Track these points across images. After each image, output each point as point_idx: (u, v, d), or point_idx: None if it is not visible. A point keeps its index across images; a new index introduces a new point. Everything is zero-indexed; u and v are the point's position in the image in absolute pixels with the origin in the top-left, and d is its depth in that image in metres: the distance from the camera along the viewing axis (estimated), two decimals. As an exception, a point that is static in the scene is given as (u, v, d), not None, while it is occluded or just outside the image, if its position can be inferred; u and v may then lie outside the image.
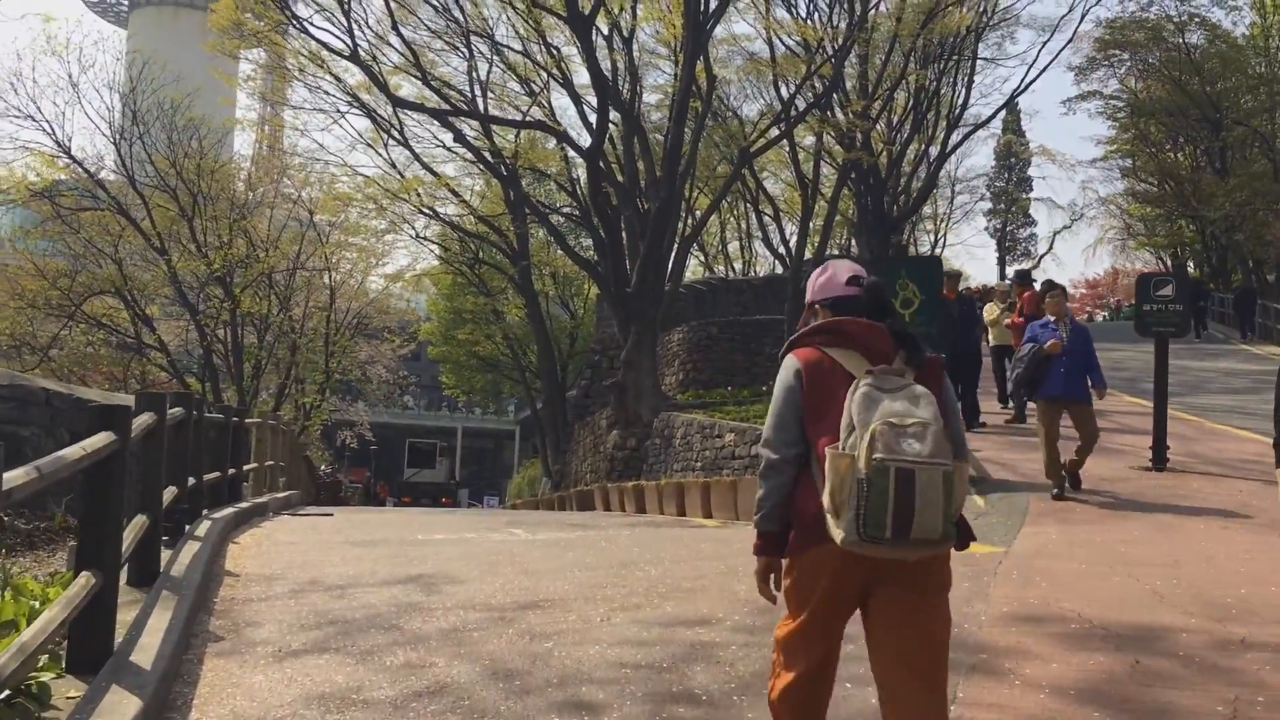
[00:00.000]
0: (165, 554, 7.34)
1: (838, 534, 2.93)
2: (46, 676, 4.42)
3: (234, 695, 4.82)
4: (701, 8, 23.69)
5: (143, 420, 6.08)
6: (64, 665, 4.70)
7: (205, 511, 10.38)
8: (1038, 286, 15.31)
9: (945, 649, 3.15)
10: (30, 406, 9.27)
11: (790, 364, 3.32)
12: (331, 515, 13.63)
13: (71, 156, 26.68)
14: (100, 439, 4.61)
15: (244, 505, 12.01)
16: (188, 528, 8.61)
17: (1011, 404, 14.79)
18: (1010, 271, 52.79)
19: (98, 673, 4.58)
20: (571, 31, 23.82)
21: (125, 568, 6.50)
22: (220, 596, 6.89)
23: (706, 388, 26.15)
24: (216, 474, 11.26)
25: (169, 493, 7.90)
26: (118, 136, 27.47)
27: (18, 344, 26.60)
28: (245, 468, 13.67)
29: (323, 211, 34.51)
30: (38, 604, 5.25)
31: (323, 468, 42.41)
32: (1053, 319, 9.64)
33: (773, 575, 3.31)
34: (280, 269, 33.05)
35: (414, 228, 34.14)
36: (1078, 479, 9.60)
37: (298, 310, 35.61)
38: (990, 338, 15.52)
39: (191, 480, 9.47)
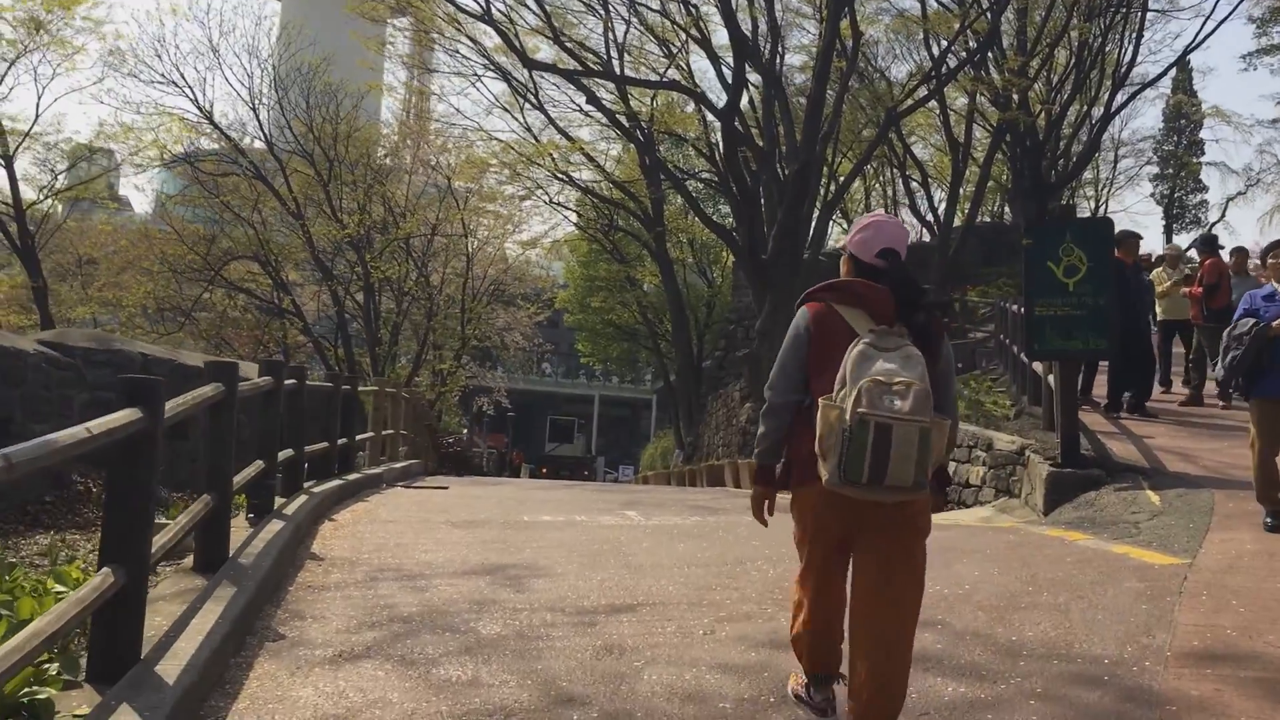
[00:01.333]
0: (247, 533, 6.86)
1: (823, 474, 3.31)
2: (50, 691, 3.84)
3: (274, 714, 4.18)
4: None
5: (200, 394, 5.51)
6: (84, 673, 4.14)
7: (307, 485, 9.96)
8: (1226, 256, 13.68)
9: (916, 585, 3.50)
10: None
11: (803, 316, 3.64)
12: (446, 489, 13.15)
13: (213, 122, 27.00)
14: (119, 417, 3.99)
15: (354, 477, 11.58)
16: (279, 504, 8.14)
17: (1189, 386, 13.29)
18: (1181, 240, 49.53)
19: (116, 683, 4.00)
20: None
21: (192, 553, 6.01)
22: (296, 583, 6.33)
23: (844, 360, 24.90)
24: (323, 445, 10.84)
25: (253, 468, 7.42)
26: (257, 102, 27.70)
27: (161, 308, 27.11)
28: (359, 437, 13.30)
29: (460, 177, 34.39)
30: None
31: (461, 432, 42.73)
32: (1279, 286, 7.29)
33: (767, 503, 3.84)
34: (418, 234, 33.09)
35: (548, 193, 33.64)
36: None
37: (435, 276, 35.67)
38: (1158, 310, 13.92)
39: (290, 453, 9.02)
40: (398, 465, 14.82)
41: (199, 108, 26.42)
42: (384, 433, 15.09)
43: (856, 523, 3.47)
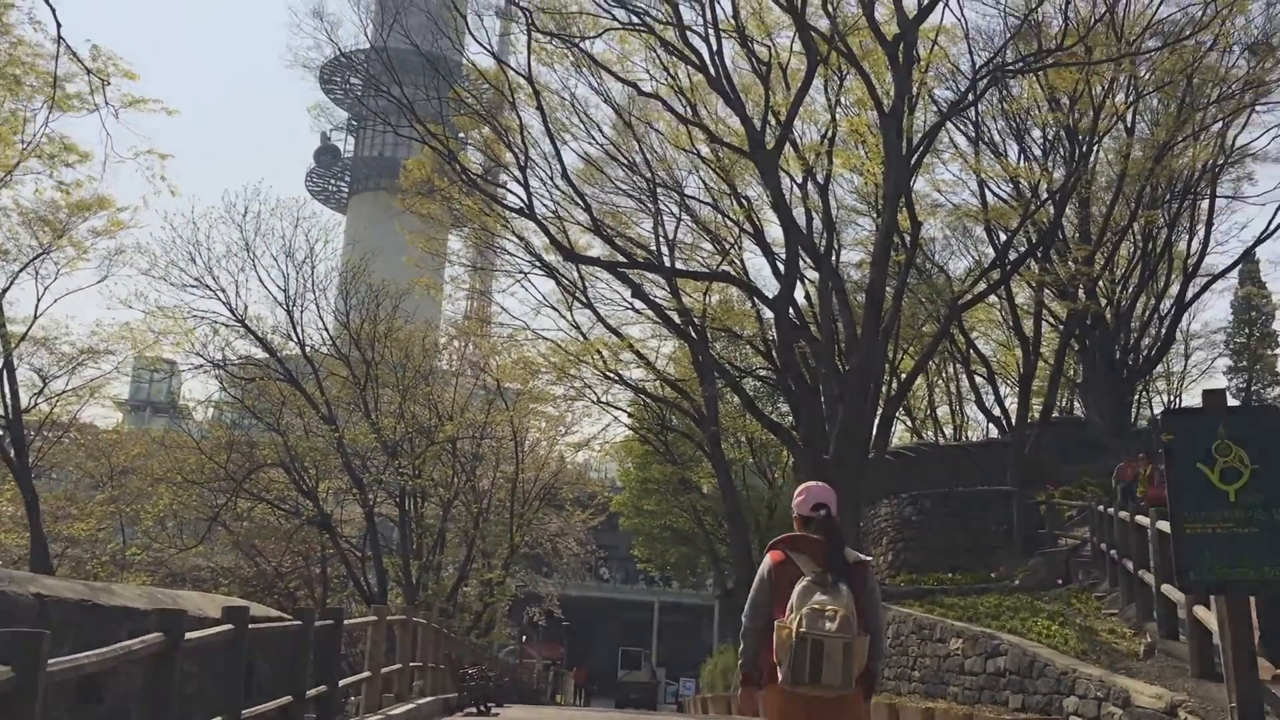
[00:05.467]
0: None
1: (778, 677, 4.72)
2: None
3: None
4: (904, 141, 21.18)
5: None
6: None
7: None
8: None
9: None
10: (12, 623, 7.03)
11: (766, 563, 5.08)
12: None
13: (247, 327, 25.99)
14: None
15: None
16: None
17: None
18: None
19: None
20: (756, 170, 21.77)
21: None
22: None
23: (920, 571, 22.57)
24: (285, 700, 8.74)
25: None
26: (292, 305, 26.71)
27: (181, 521, 25.49)
28: (345, 682, 11.18)
29: (506, 377, 33.15)
30: None
31: (505, 645, 39.95)
32: None
33: (752, 702, 5.06)
34: (464, 437, 31.54)
35: (596, 394, 32.12)
36: None
37: (484, 481, 33.90)
38: None
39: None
40: (399, 710, 12.58)
41: (231, 310, 25.47)
42: (384, 670, 12.91)
43: (810, 713, 4.73)
